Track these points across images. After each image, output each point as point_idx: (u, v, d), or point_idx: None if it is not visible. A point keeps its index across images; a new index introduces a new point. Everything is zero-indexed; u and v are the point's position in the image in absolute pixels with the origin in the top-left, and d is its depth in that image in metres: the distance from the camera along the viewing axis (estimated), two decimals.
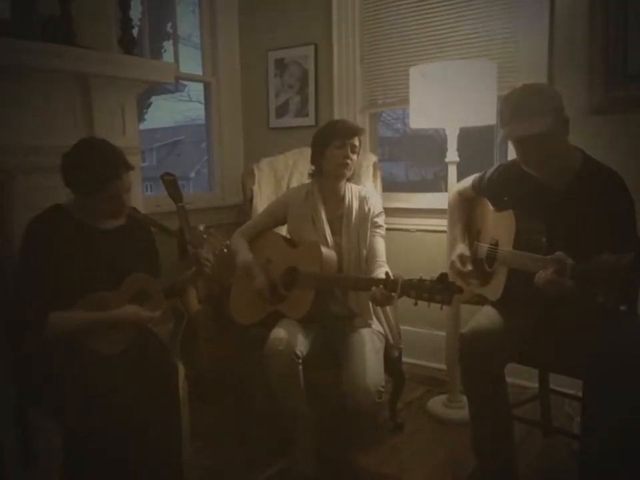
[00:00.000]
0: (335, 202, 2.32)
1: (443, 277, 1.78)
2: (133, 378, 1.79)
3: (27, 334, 1.75)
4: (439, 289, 1.77)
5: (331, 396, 2.22)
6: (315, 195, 2.32)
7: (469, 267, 2.05)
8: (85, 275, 1.82)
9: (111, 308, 1.83)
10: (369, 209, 2.30)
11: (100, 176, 1.79)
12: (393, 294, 1.85)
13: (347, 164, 2.26)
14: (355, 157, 2.28)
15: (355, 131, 2.28)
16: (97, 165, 1.79)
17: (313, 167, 2.36)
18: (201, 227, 2.09)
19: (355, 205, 2.30)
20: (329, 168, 2.29)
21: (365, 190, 2.38)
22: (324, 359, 2.21)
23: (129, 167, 1.86)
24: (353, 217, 2.28)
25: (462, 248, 2.12)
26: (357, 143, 2.27)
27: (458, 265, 2.06)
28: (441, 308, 1.78)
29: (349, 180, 2.35)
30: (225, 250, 2.12)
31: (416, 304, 1.82)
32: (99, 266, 1.86)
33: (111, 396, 1.69)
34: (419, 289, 1.80)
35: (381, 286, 1.89)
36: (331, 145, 2.26)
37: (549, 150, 1.79)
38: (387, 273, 1.95)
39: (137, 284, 1.91)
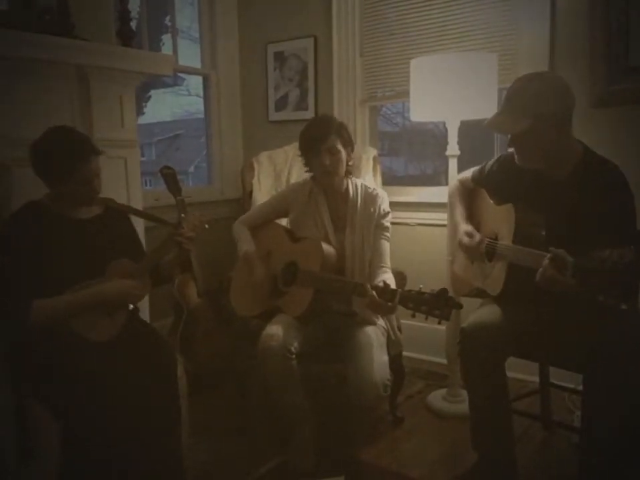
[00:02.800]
0: (339, 200, 2.26)
1: (442, 292, 1.74)
2: (133, 372, 1.79)
3: (13, 327, 1.75)
4: (437, 304, 1.74)
5: (331, 390, 2.21)
6: (317, 195, 2.27)
7: (478, 237, 2.05)
8: (66, 265, 1.82)
9: None
10: (375, 210, 2.22)
11: (65, 159, 1.79)
12: (390, 304, 1.82)
13: (329, 171, 2.16)
14: (339, 156, 2.15)
15: (325, 134, 2.13)
16: (62, 149, 1.80)
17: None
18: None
19: (360, 203, 2.23)
20: (317, 176, 2.24)
21: (371, 188, 2.28)
22: (324, 354, 2.20)
23: (96, 151, 1.86)
24: (358, 216, 2.22)
25: (466, 226, 2.12)
26: (334, 143, 2.13)
27: (466, 239, 2.06)
28: (439, 323, 1.76)
29: (349, 175, 2.26)
30: (207, 226, 2.09)
31: (413, 316, 1.80)
32: (79, 255, 1.86)
33: (109, 390, 1.69)
34: (417, 302, 1.76)
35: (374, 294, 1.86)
36: (309, 156, 2.20)
37: (533, 146, 1.80)
38: (384, 282, 1.90)
39: (120, 270, 1.90)
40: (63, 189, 1.84)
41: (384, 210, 2.24)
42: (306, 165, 2.26)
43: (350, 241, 2.21)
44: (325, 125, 2.19)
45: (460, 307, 1.79)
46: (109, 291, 1.85)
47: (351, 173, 2.28)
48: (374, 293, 1.86)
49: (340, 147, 2.16)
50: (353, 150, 2.25)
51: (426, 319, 1.76)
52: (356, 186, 2.28)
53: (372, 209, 2.23)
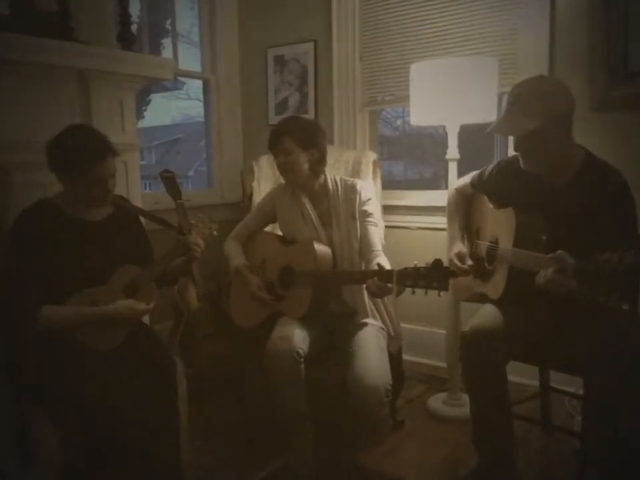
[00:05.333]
0: (319, 196, 2.28)
1: (437, 263, 1.76)
2: (131, 375, 1.79)
3: (20, 330, 1.74)
4: (434, 276, 1.75)
5: (332, 394, 2.20)
6: (299, 195, 2.29)
7: (469, 262, 2.06)
8: (75, 267, 1.81)
9: (102, 303, 1.83)
10: (356, 198, 2.23)
11: (84, 156, 1.79)
12: (389, 285, 1.83)
13: (285, 171, 2.22)
14: (293, 156, 2.18)
15: (279, 136, 2.20)
16: (81, 146, 1.80)
17: None
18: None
19: (341, 195, 2.25)
20: (282, 177, 2.30)
21: (350, 180, 2.31)
22: (326, 357, 2.19)
23: (114, 152, 1.86)
24: (340, 208, 2.24)
25: (459, 246, 2.12)
26: (286, 144, 2.18)
27: (456, 262, 2.06)
28: (439, 294, 1.77)
29: (319, 173, 2.26)
30: (215, 233, 2.12)
31: (413, 292, 1.80)
32: (89, 257, 1.85)
33: (107, 394, 1.68)
34: (414, 277, 1.78)
35: (375, 278, 1.87)
36: (273, 156, 2.27)
37: (540, 149, 1.80)
38: (379, 264, 1.92)
39: (127, 276, 1.90)
40: (78, 188, 1.83)
41: (365, 197, 2.24)
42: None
43: (337, 234, 2.23)
44: (280, 127, 2.24)
45: (456, 275, 1.81)
46: (119, 311, 1.83)
47: (320, 171, 2.27)
48: (369, 277, 1.87)
49: (295, 147, 2.19)
50: (319, 151, 2.23)
51: (426, 293, 1.77)
52: (335, 180, 2.29)
53: (352, 198, 2.24)
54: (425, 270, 1.77)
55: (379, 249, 2.18)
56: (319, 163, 2.24)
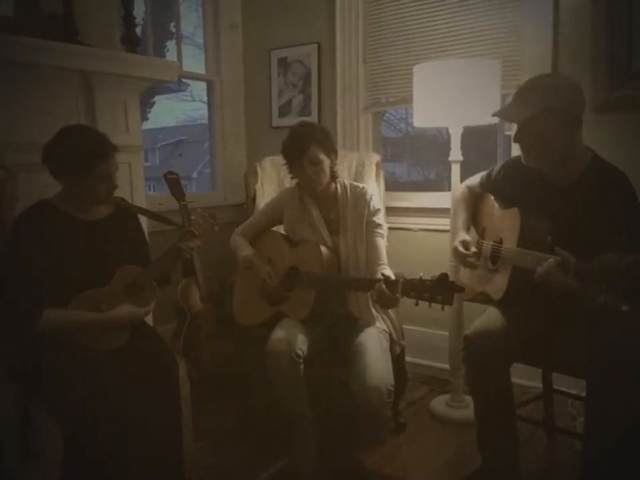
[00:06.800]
0: (328, 203, 2.27)
1: (443, 277, 1.76)
2: (133, 376, 1.79)
3: (21, 331, 1.75)
4: (439, 289, 1.75)
5: (334, 395, 2.21)
6: (308, 202, 2.28)
7: (473, 249, 2.05)
8: (75, 267, 1.82)
9: (105, 305, 1.84)
10: (364, 208, 2.22)
11: (92, 155, 1.80)
12: (398, 294, 1.83)
13: (312, 181, 2.17)
14: (321, 166, 2.15)
15: (307, 145, 2.13)
16: (88, 145, 1.81)
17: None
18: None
19: (350, 204, 2.24)
20: (303, 185, 2.25)
21: (360, 187, 2.29)
22: (328, 358, 2.20)
23: (114, 147, 1.88)
24: (349, 217, 2.23)
25: (463, 235, 2.12)
26: (315, 153, 2.13)
27: (461, 249, 2.06)
28: (442, 308, 1.77)
29: (334, 179, 2.26)
30: (216, 228, 2.09)
31: (417, 304, 1.81)
32: (89, 257, 1.86)
33: (109, 394, 1.69)
34: (419, 290, 1.78)
35: (383, 286, 1.87)
36: (292, 166, 2.21)
37: (536, 139, 1.80)
38: (383, 274, 1.92)
39: (128, 276, 1.90)
40: (84, 187, 1.84)
41: (374, 207, 2.24)
42: (290, 172, 2.27)
43: (344, 242, 2.22)
44: (307, 135, 2.16)
45: (461, 290, 1.79)
46: (122, 316, 1.85)
47: (336, 177, 2.28)
48: (383, 285, 1.86)
49: (322, 156, 2.16)
50: (336, 156, 2.25)
51: (429, 306, 1.77)
52: (344, 186, 2.28)
53: (362, 207, 2.23)
54: (430, 283, 1.77)
55: (385, 262, 2.19)
56: (335, 166, 2.25)
